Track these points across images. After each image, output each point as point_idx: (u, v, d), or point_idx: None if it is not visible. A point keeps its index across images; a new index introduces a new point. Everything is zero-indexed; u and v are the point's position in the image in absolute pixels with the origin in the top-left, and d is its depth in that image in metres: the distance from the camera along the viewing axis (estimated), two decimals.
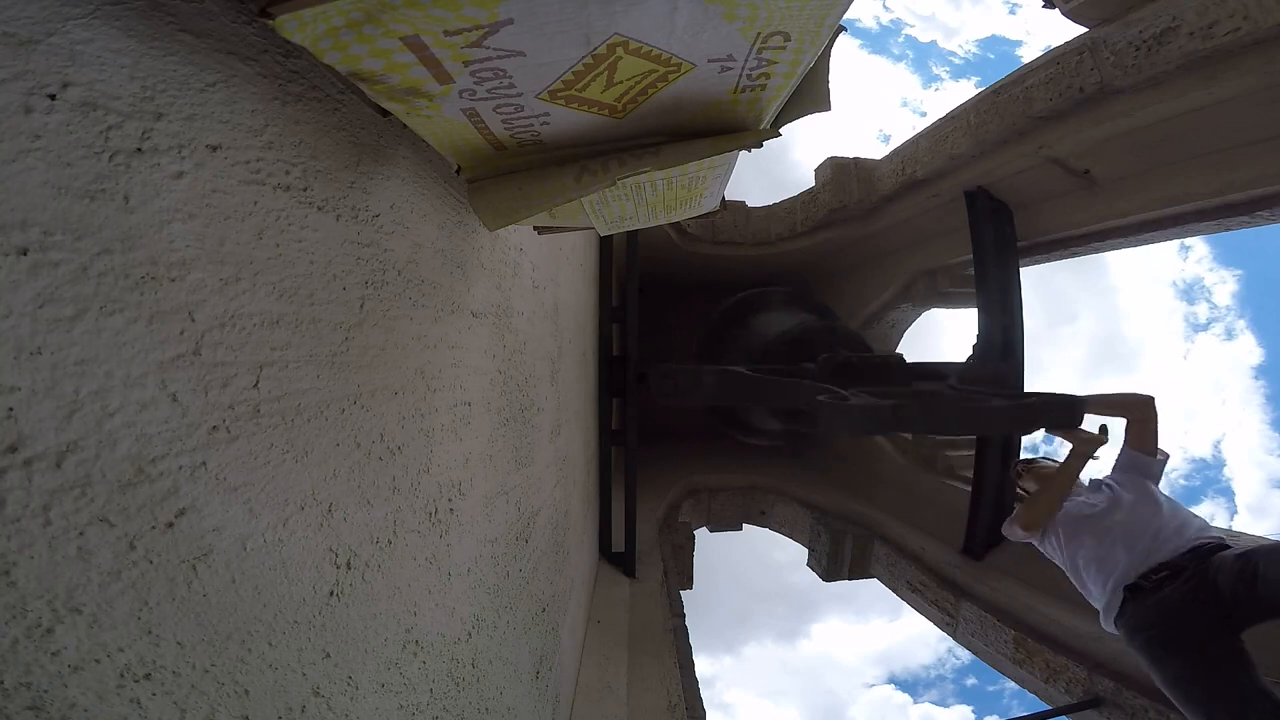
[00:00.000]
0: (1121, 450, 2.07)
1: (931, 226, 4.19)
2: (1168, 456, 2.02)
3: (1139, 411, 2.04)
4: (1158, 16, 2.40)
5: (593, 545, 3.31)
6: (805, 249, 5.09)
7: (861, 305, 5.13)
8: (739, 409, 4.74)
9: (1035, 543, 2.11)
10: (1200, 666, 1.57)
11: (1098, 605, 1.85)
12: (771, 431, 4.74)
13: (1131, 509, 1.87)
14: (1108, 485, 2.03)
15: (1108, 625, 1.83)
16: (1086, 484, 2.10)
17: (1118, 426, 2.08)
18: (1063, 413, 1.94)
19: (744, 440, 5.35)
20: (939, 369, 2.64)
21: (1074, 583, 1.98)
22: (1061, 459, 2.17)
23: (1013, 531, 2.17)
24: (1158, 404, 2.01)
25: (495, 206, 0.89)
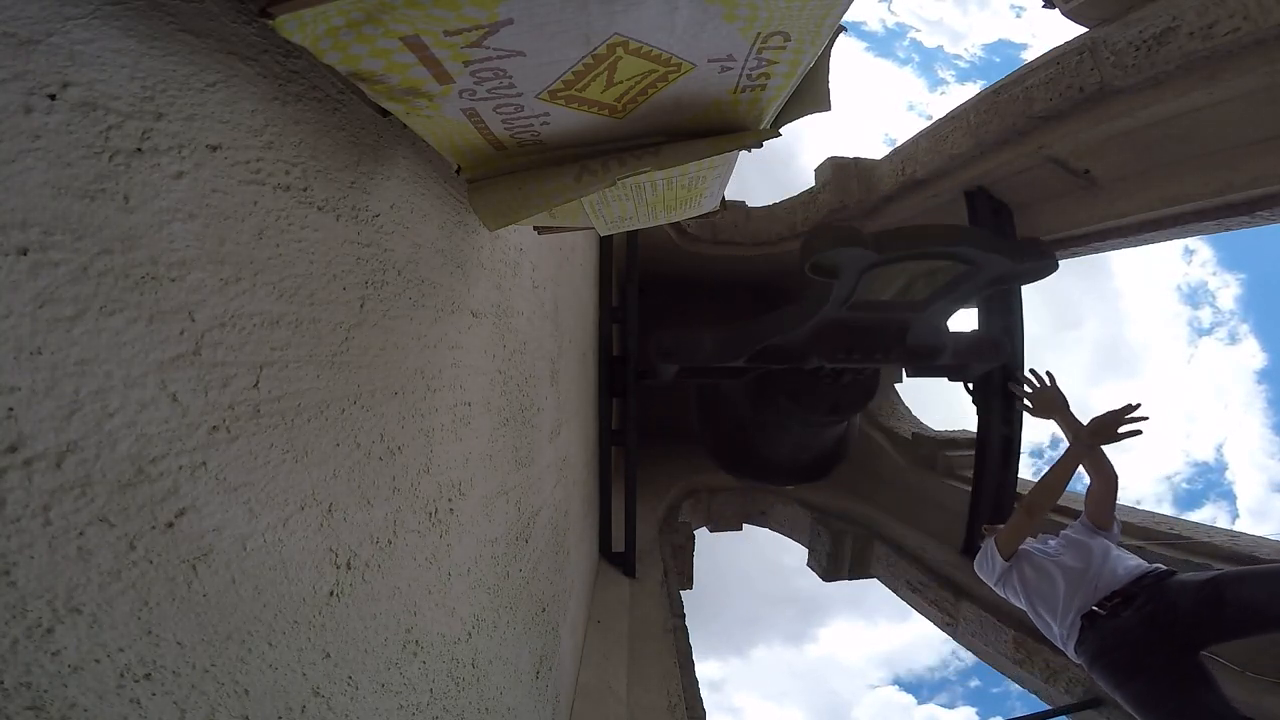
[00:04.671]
0: (1079, 522, 2.15)
1: None
2: (1120, 526, 2.11)
3: (1108, 485, 2.09)
4: (1158, 16, 2.40)
5: (593, 545, 3.31)
6: None
7: None
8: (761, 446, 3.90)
9: (997, 587, 2.17)
10: (1162, 686, 1.62)
11: (1058, 636, 1.94)
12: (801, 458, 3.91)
13: (1087, 551, 1.98)
14: (1063, 535, 2.14)
15: (1070, 654, 1.91)
16: (1038, 539, 2.20)
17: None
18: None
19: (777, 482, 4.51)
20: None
21: (1034, 621, 2.06)
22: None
23: (983, 562, 2.21)
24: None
25: (495, 206, 0.89)
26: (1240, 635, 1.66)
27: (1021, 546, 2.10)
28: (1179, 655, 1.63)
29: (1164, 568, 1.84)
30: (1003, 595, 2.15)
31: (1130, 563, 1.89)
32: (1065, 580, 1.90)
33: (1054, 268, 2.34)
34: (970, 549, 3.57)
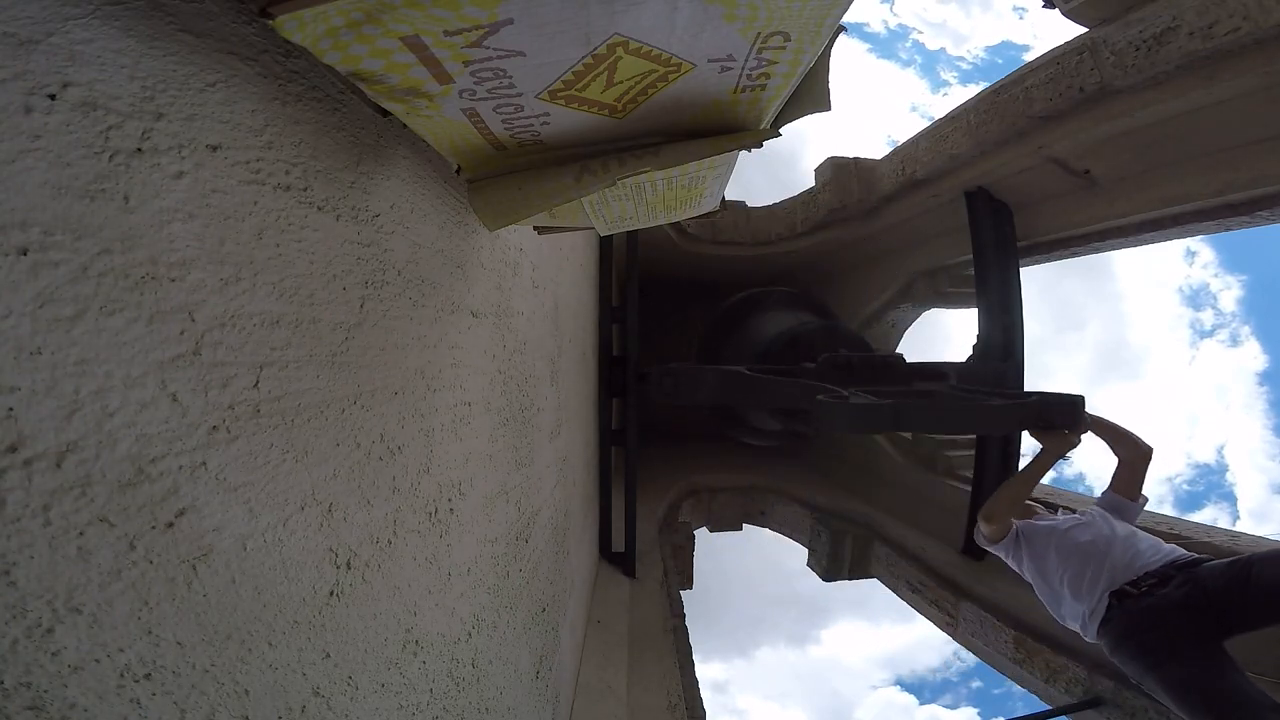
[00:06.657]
0: (1104, 493, 2.12)
1: (931, 226, 4.19)
2: (1147, 500, 2.07)
3: (1136, 454, 2.05)
4: (1158, 16, 2.40)
5: (593, 545, 3.31)
6: (805, 249, 5.09)
7: (861, 305, 5.13)
8: (738, 409, 4.66)
9: (1004, 555, 2.14)
10: (1198, 670, 1.58)
11: (1078, 614, 1.88)
12: (770, 431, 4.67)
13: (1111, 527, 1.94)
14: (1084, 512, 2.09)
15: (1089, 633, 1.86)
16: (1059, 514, 2.15)
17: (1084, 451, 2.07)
18: (1063, 412, 1.93)
19: (743, 441, 5.27)
20: (939, 369, 2.64)
21: (1043, 597, 2.02)
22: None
23: (978, 533, 2.22)
24: (1154, 456, 2.06)
25: (495, 206, 0.89)
26: (1266, 620, 1.62)
27: (1040, 522, 2.05)
28: (1209, 640, 1.60)
29: (1196, 555, 1.79)
30: (1014, 568, 2.10)
31: (1163, 546, 1.84)
32: (1092, 557, 1.84)
33: None
34: (970, 549, 3.57)
